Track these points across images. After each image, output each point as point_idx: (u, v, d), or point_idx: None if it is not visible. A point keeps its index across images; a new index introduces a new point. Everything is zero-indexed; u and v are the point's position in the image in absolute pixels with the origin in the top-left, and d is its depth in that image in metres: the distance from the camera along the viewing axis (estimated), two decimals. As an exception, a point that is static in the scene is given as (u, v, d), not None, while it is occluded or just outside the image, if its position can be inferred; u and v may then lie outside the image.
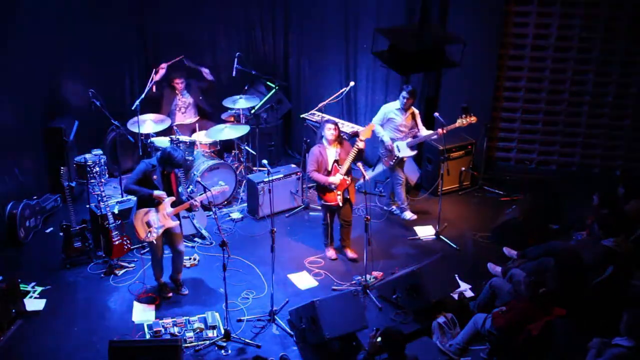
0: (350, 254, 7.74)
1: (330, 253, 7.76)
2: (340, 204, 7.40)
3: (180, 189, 6.94)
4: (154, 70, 8.63)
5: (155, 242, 6.79)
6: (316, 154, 7.44)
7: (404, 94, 7.98)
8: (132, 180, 6.64)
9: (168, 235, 6.88)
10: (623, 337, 5.39)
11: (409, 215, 8.44)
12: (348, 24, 9.50)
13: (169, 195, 6.74)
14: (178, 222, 6.90)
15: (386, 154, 8.23)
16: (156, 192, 6.63)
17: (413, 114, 8.16)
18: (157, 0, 9.37)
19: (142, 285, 7.11)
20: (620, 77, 9.06)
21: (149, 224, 6.69)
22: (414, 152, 8.30)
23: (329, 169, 7.37)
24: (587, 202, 7.46)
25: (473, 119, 7.91)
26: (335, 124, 7.45)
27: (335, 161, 7.38)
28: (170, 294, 6.99)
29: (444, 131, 7.95)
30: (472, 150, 9.16)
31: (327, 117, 9.24)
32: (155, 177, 6.66)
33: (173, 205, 6.79)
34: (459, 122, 7.89)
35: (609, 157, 9.41)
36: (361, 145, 7.19)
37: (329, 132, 7.34)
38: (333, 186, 7.31)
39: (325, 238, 7.78)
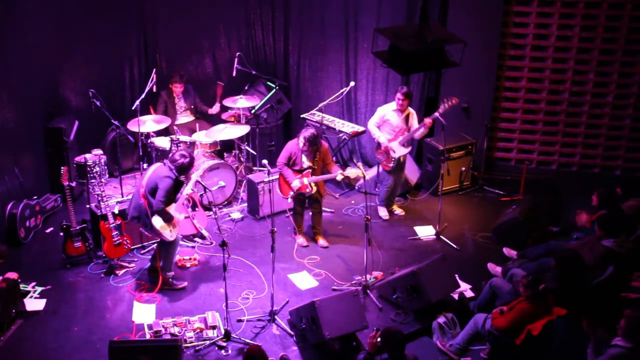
0: (322, 241, 7.92)
1: (301, 240, 7.90)
2: (312, 190, 7.55)
3: None
4: (155, 70, 8.62)
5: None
6: (291, 149, 7.54)
7: (398, 95, 7.95)
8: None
9: None
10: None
11: (383, 213, 8.53)
12: (348, 24, 9.50)
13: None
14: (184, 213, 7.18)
15: (383, 158, 8.22)
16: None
17: (409, 115, 8.15)
18: (157, 0, 9.37)
19: (142, 284, 7.12)
20: (620, 77, 9.05)
21: (174, 225, 6.80)
22: (408, 149, 8.27)
23: (299, 169, 7.51)
24: (587, 202, 7.47)
25: (454, 101, 7.86)
26: (309, 139, 7.33)
27: (310, 167, 7.48)
28: (185, 283, 7.11)
29: (430, 122, 7.93)
30: (472, 150, 9.17)
31: (327, 117, 9.26)
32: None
33: None
34: (442, 108, 7.86)
35: (609, 157, 9.41)
36: (339, 178, 7.47)
37: (301, 141, 7.39)
38: (294, 187, 7.49)
39: (296, 226, 7.91)
